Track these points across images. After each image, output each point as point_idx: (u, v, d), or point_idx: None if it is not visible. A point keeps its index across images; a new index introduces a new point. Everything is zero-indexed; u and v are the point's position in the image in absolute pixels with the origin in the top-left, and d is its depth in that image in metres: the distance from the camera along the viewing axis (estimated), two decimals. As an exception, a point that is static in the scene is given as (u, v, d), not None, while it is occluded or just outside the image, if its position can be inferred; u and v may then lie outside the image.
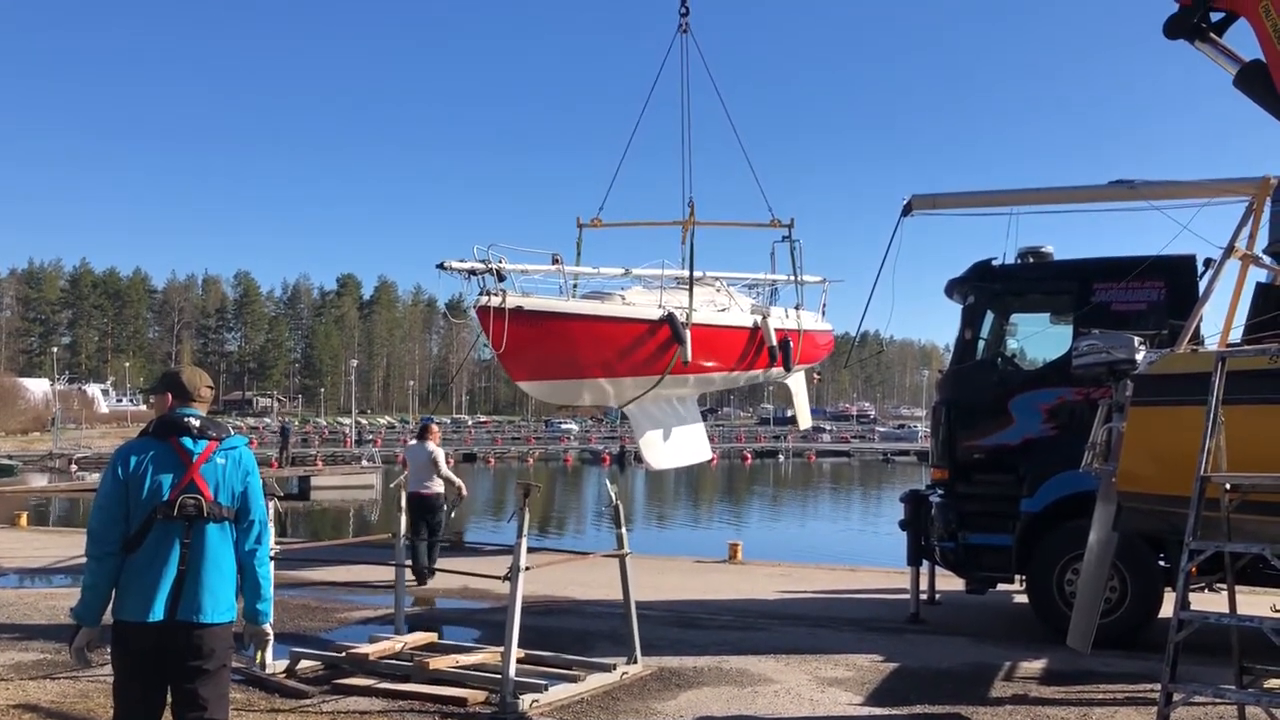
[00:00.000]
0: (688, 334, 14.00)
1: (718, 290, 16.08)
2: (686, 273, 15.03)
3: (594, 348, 13.72)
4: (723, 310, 15.64)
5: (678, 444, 15.50)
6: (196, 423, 4.44)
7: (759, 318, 15.82)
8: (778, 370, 16.61)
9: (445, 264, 12.38)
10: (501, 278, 12.50)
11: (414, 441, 15.30)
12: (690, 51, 15.53)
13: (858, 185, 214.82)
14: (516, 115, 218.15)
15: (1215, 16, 8.48)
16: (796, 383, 19.21)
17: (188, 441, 4.39)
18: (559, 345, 13.33)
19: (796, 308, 17.12)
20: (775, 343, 15.77)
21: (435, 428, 15.63)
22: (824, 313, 18.63)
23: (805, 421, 22.01)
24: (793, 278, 16.97)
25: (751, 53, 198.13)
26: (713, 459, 18.69)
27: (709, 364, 15.05)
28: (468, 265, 12.29)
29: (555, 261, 13.98)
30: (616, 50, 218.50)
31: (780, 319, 16.52)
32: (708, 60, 16.00)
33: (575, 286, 14.87)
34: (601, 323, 13.90)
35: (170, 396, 4.56)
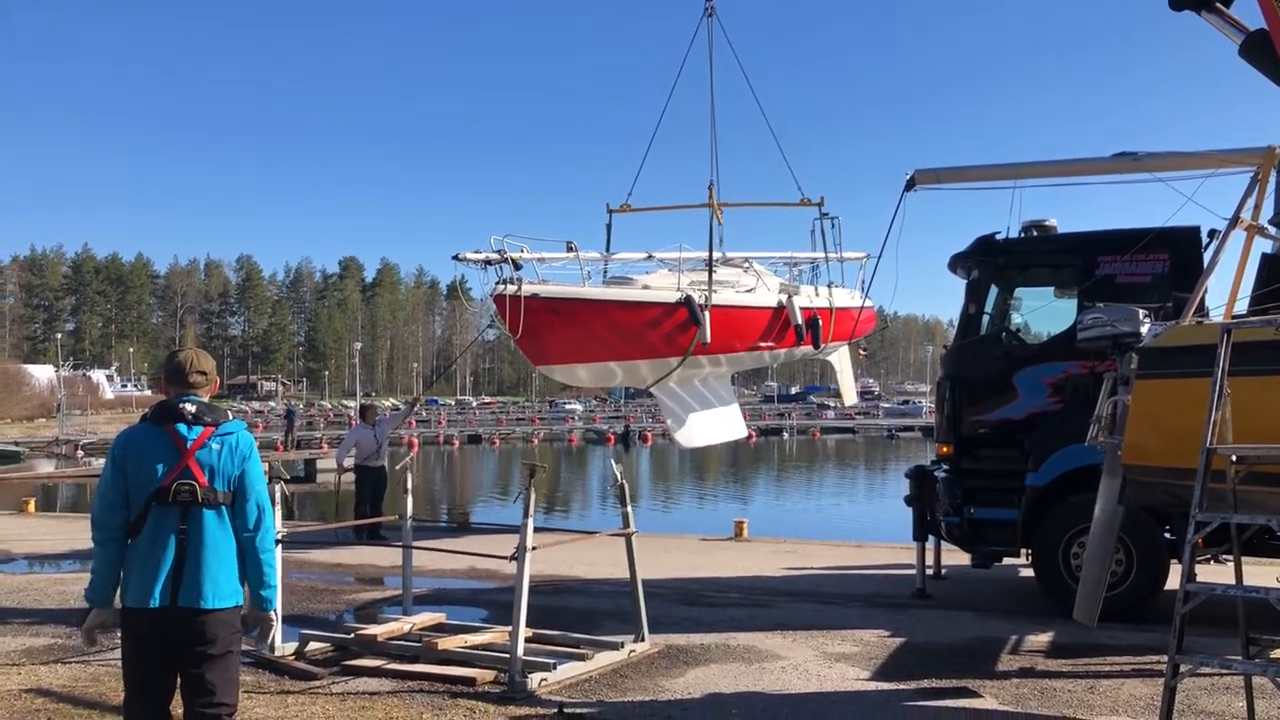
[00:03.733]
0: (706, 316, 14.04)
1: (745, 270, 16.12)
2: (728, 255, 15.22)
3: (611, 332, 13.85)
4: (749, 290, 15.66)
5: (707, 423, 15.59)
6: (192, 408, 4.42)
7: (784, 297, 15.81)
8: (807, 348, 16.60)
9: (460, 255, 12.61)
10: (518, 266, 12.67)
11: (361, 423, 17.61)
12: (717, 35, 15.60)
13: (864, 161, 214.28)
14: (530, 101, 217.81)
15: None
16: (840, 359, 19.25)
17: (182, 428, 4.37)
18: (576, 330, 13.49)
19: (829, 285, 17.12)
20: (801, 321, 15.75)
21: (373, 409, 18.53)
22: (865, 289, 18.59)
23: (850, 398, 22.07)
24: (826, 254, 16.97)
25: (775, 29, 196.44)
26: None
27: (731, 344, 15.10)
28: (482, 256, 12.49)
29: (570, 249, 14.11)
30: (637, 34, 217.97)
31: (809, 297, 16.51)
32: (735, 41, 16.07)
33: (606, 271, 15.16)
34: (618, 307, 14.01)
35: (172, 383, 4.55)
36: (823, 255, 16.97)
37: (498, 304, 12.78)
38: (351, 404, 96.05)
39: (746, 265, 16.28)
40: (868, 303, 18.57)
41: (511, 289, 12.52)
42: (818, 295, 16.82)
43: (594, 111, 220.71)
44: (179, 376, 4.52)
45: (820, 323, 16.22)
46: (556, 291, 13.36)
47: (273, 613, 4.58)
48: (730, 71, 16.28)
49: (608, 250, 16.04)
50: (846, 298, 17.52)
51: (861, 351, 20.19)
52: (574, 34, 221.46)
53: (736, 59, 16.19)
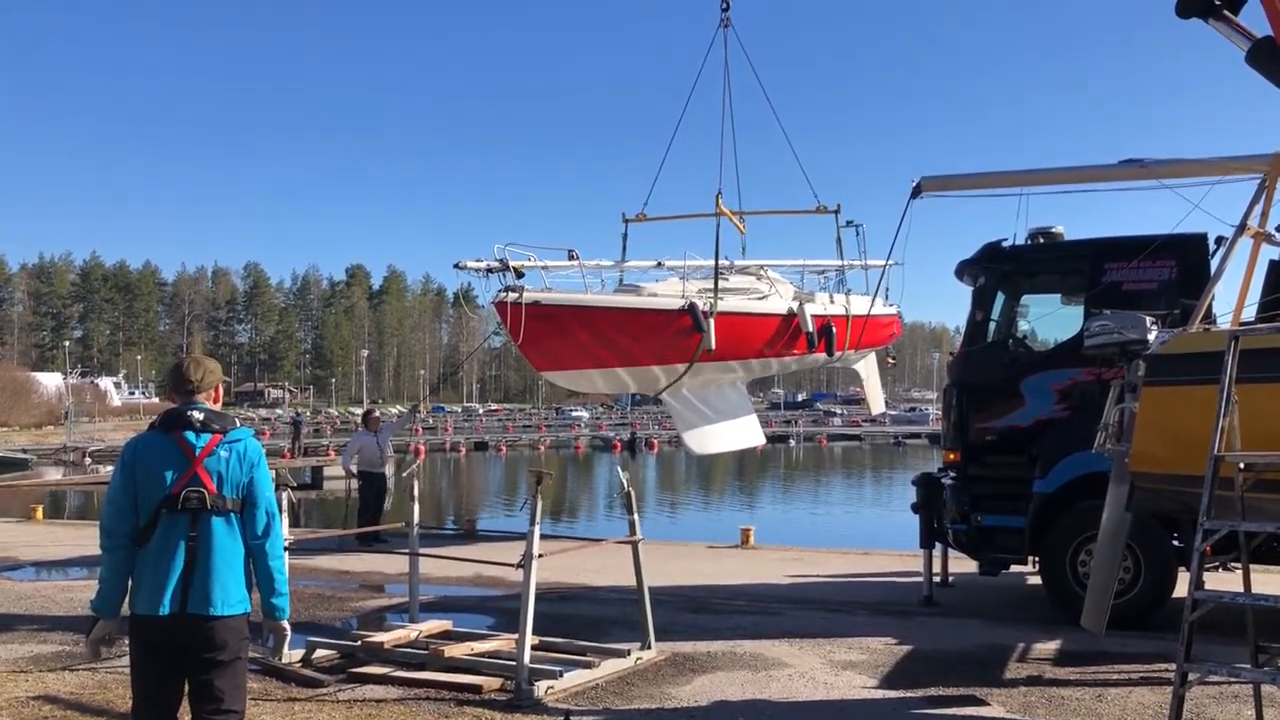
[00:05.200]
0: (710, 323, 14.06)
1: (759, 278, 16.17)
2: (738, 263, 15.27)
3: (613, 338, 13.96)
4: (760, 298, 15.69)
5: (718, 429, 15.62)
6: (200, 416, 4.42)
7: (795, 304, 15.80)
8: (819, 355, 16.57)
9: (462, 263, 12.85)
10: (520, 274, 12.86)
11: (363, 429, 17.40)
12: (732, 44, 15.84)
13: (867, 165, 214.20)
14: (536, 106, 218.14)
15: None
16: (865, 367, 19.24)
17: (190, 435, 4.38)
18: (578, 337, 13.63)
19: (846, 292, 17.11)
20: (812, 329, 15.73)
21: (375, 416, 17.93)
22: (887, 295, 18.56)
23: (876, 406, 21.93)
24: (843, 261, 17.00)
25: (777, 30, 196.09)
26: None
27: (738, 351, 15.13)
28: (484, 264, 12.70)
29: (572, 256, 14.24)
30: (641, 37, 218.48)
31: (823, 305, 16.50)
32: (751, 45, 16.30)
33: (622, 278, 15.33)
34: (620, 314, 14.10)
35: (175, 390, 4.57)
36: (840, 262, 16.99)
37: (499, 311, 12.97)
38: (358, 411, 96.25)
39: (762, 272, 16.33)
40: (890, 309, 18.48)
41: (513, 296, 12.71)
42: (832, 303, 16.80)
43: (599, 114, 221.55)
44: (185, 384, 4.53)
45: (834, 330, 16.19)
46: (558, 298, 13.48)
47: (286, 622, 4.58)
48: (742, 74, 16.41)
49: (623, 259, 16.19)
50: (866, 304, 17.48)
51: (890, 359, 20.16)
52: (578, 37, 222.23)
53: (753, 70, 16.40)
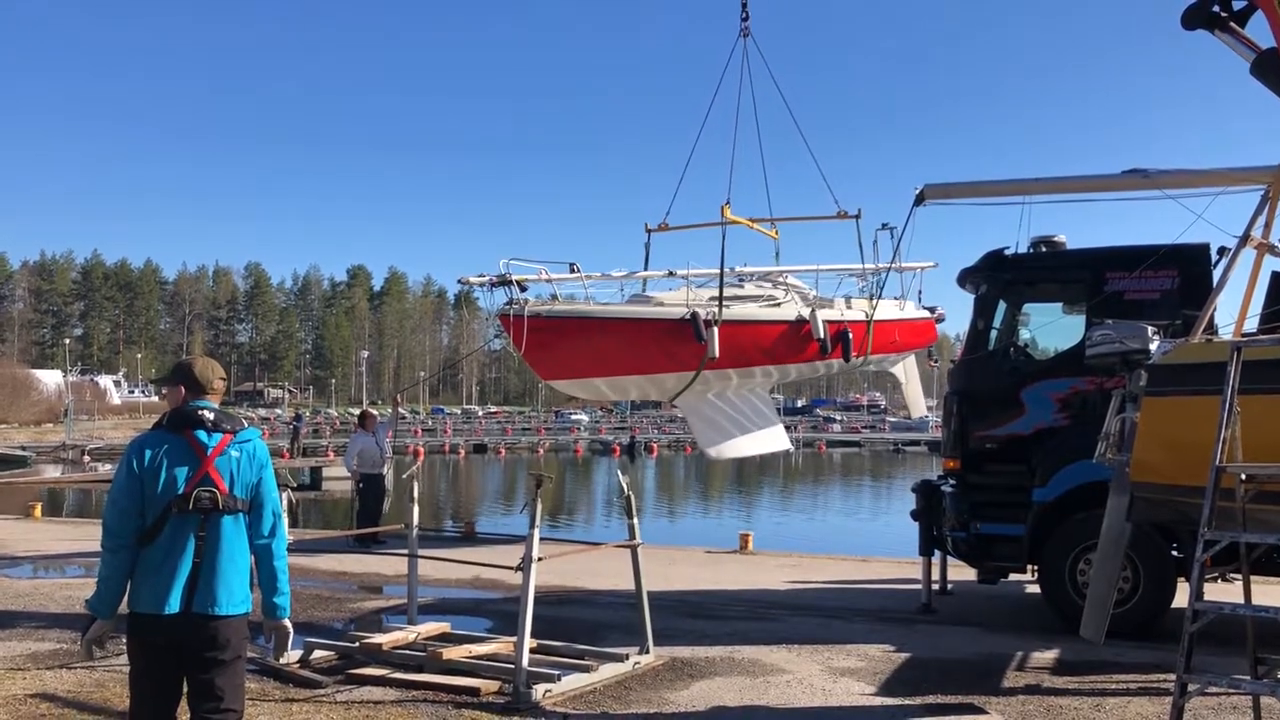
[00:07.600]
0: (713, 332, 14.11)
1: (774, 285, 16.20)
2: (755, 270, 15.31)
3: (617, 348, 14.07)
4: (775, 305, 15.71)
5: (734, 435, 15.66)
6: (210, 415, 4.43)
7: (807, 311, 15.79)
8: (835, 361, 16.55)
9: (464, 279, 13.12)
10: (523, 287, 13.09)
11: (361, 430, 17.34)
12: (752, 53, 15.97)
13: (864, 171, 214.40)
14: (538, 109, 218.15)
15: (1238, 5, 8.46)
16: (905, 371, 19.19)
17: (202, 434, 4.39)
18: (582, 346, 13.76)
19: (869, 297, 17.08)
20: (825, 335, 15.69)
21: (372, 416, 17.74)
22: (920, 299, 18.48)
23: (916, 410, 21.85)
24: (864, 265, 16.99)
25: (781, 36, 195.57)
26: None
27: (745, 359, 15.15)
28: (487, 279, 12.96)
29: (573, 270, 14.37)
30: (644, 39, 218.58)
31: (839, 311, 16.48)
32: (770, 53, 16.40)
33: (645, 284, 15.58)
34: (621, 324, 14.19)
35: (183, 389, 4.56)
36: (859, 266, 16.95)
37: (504, 323, 13.17)
38: (357, 412, 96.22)
39: (780, 279, 16.36)
40: (922, 312, 18.39)
41: (515, 309, 12.93)
42: (849, 308, 16.75)
43: (613, 118, 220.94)
44: (200, 384, 4.53)
45: (850, 335, 16.14)
46: (561, 309, 13.60)
47: (288, 622, 4.59)
48: (764, 81, 16.56)
49: (645, 267, 16.38)
50: (892, 309, 17.40)
51: (931, 363, 20.11)
52: (594, 39, 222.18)
53: (773, 79, 16.53)
